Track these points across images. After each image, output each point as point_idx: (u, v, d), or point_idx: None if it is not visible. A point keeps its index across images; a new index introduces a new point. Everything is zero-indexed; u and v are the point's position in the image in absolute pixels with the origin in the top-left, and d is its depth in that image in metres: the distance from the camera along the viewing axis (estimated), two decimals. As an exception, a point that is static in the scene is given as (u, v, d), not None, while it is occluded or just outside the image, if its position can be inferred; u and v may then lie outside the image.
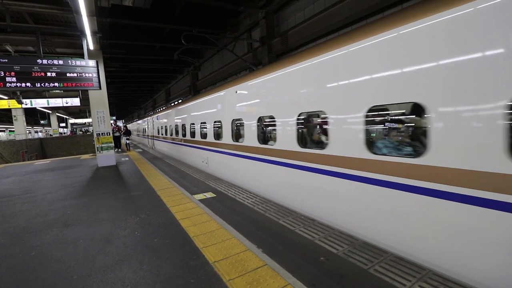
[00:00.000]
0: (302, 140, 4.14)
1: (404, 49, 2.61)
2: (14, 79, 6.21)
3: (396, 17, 2.77)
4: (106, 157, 9.78)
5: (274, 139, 4.69)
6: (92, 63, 7.17)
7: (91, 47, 8.13)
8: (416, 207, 2.55)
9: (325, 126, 3.60)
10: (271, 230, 3.35)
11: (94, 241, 3.30)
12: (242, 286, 2.25)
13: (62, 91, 16.81)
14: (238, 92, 5.74)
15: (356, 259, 2.57)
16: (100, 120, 9.61)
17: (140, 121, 26.42)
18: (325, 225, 3.40)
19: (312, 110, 3.86)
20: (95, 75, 7.19)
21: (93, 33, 7.26)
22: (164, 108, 17.18)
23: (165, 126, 13.11)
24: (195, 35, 9.10)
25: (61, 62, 6.74)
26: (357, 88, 3.09)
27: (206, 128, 7.71)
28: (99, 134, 9.61)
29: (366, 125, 3.03)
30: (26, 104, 15.23)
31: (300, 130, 4.12)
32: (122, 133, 18.34)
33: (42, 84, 6.54)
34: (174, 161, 10.16)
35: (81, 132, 42.45)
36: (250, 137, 5.37)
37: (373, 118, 3.05)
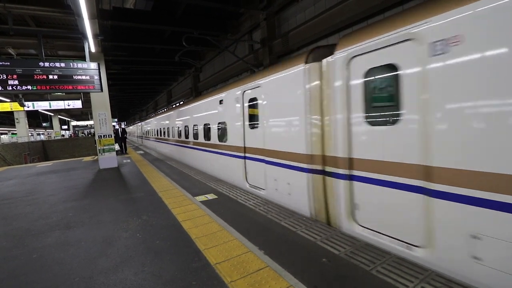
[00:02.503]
0: None
1: None
2: (16, 81, 6.25)
3: None
4: (108, 159, 9.79)
5: None
6: (93, 65, 7.21)
7: (93, 49, 8.16)
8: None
9: None
10: (273, 231, 3.34)
11: (96, 243, 3.30)
12: (244, 288, 2.24)
13: (64, 94, 16.88)
14: None
15: (359, 261, 2.55)
16: (102, 122, 9.63)
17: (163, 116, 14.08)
18: (326, 226, 3.39)
19: None
20: (96, 77, 7.22)
21: (95, 36, 7.29)
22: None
23: None
24: (196, 37, 9.12)
25: (63, 64, 6.77)
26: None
27: None
28: (100, 136, 9.63)
29: None
30: (28, 107, 15.37)
31: None
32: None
33: (44, 87, 6.58)
34: (176, 162, 10.16)
35: (83, 135, 42.62)
36: None
37: None
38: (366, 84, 2.96)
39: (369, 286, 2.19)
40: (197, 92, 17.63)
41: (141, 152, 15.71)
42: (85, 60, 7.29)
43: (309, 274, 2.39)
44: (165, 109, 16.64)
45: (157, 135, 15.93)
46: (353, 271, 2.40)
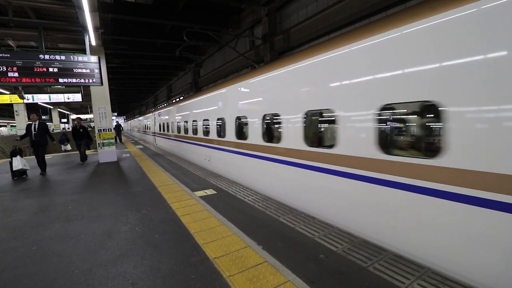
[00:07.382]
0: None
1: None
2: (16, 74, 6.22)
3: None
4: (108, 153, 9.80)
5: None
6: (94, 58, 7.17)
7: (93, 42, 8.12)
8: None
9: None
10: (271, 227, 3.36)
11: (96, 236, 3.32)
12: (242, 282, 2.26)
13: (64, 87, 16.77)
14: None
15: (356, 257, 2.58)
16: (102, 116, 9.61)
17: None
18: (325, 223, 3.42)
19: None
20: (97, 70, 7.19)
21: (95, 29, 7.25)
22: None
23: None
24: (197, 32, 9.07)
25: (63, 57, 6.74)
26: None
27: None
28: (100, 130, 9.62)
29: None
30: (28, 99, 15.25)
31: None
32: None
33: (44, 79, 6.56)
34: (175, 157, 10.17)
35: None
36: None
37: None
38: None
39: (365, 282, 2.22)
40: (197, 88, 17.57)
41: (141, 146, 15.70)
42: (85, 53, 7.26)
43: (307, 270, 2.41)
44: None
45: None
46: (350, 267, 2.43)
